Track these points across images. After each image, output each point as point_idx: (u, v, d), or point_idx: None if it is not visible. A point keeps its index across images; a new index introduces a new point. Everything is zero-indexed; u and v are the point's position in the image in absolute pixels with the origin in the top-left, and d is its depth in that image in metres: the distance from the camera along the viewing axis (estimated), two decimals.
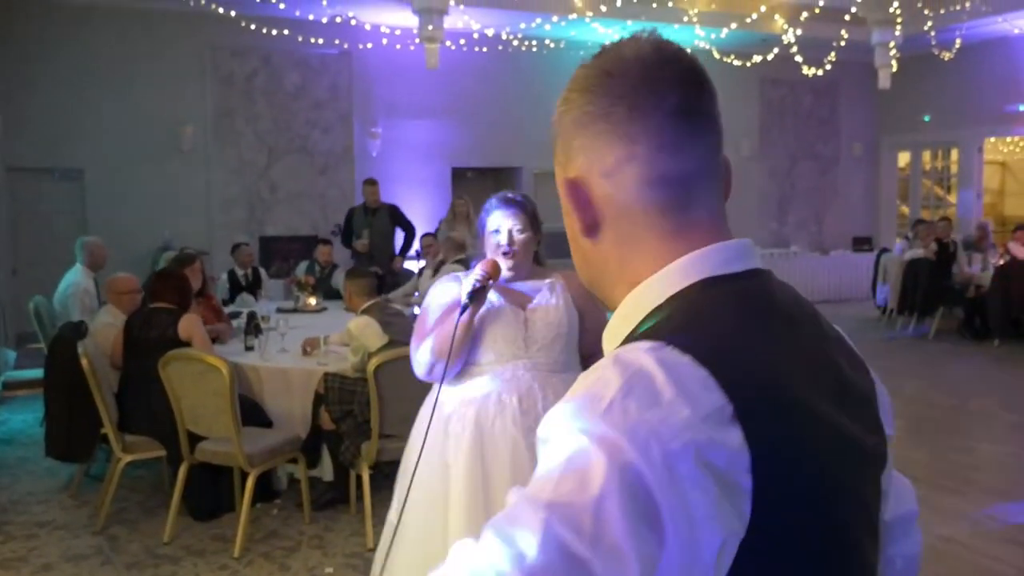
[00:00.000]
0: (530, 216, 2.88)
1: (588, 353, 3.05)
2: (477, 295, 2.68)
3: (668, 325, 0.84)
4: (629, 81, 0.91)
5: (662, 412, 0.73)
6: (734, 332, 0.83)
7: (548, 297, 2.92)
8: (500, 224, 2.83)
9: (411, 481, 2.53)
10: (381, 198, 9.59)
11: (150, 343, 4.74)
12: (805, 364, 0.87)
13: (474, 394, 2.81)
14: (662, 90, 0.91)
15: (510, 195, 2.92)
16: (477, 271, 2.70)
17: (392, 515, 2.93)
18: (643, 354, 0.78)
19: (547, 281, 2.98)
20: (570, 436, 0.74)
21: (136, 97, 10.46)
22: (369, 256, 9.14)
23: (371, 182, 9.59)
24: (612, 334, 0.94)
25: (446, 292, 2.87)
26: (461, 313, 2.65)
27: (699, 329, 0.82)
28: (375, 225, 9.36)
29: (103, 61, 10.31)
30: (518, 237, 2.84)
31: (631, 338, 0.86)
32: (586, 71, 0.95)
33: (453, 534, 2.72)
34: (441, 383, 2.68)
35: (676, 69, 0.93)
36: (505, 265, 2.82)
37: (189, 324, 4.84)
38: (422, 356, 2.80)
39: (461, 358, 2.79)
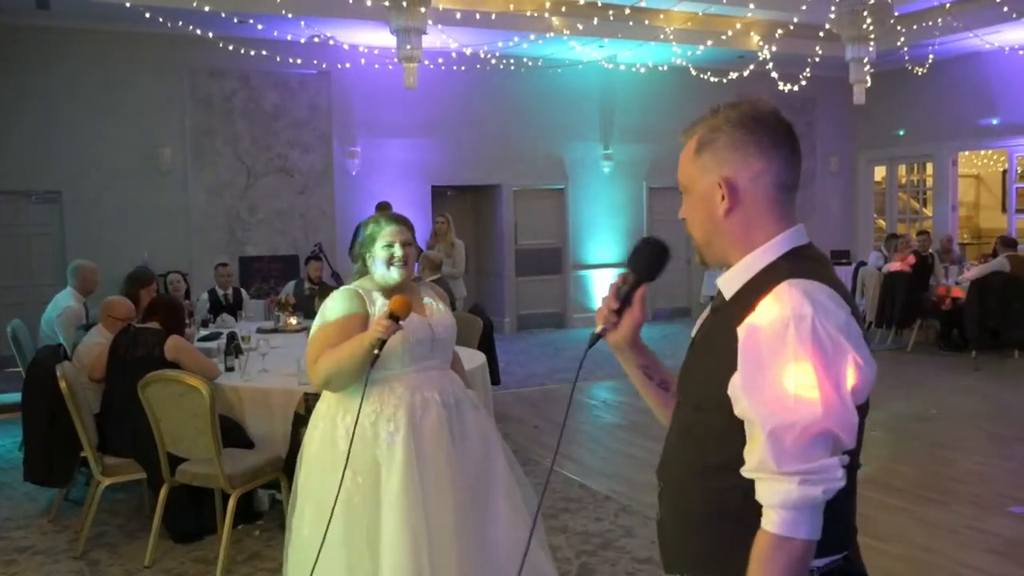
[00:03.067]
0: (412, 231, 3.20)
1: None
2: (383, 345, 2.86)
3: (796, 271, 1.46)
4: (770, 125, 1.54)
5: (838, 313, 1.43)
6: (824, 275, 1.48)
7: (433, 302, 3.23)
8: (393, 239, 3.10)
9: (339, 489, 2.78)
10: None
11: (135, 362, 4.71)
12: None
13: (400, 396, 3.00)
14: (786, 134, 1.55)
15: (395, 213, 3.28)
16: (380, 328, 2.85)
17: (304, 529, 3.03)
18: (803, 287, 1.43)
19: (423, 288, 3.30)
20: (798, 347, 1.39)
21: (114, 118, 10.42)
22: None
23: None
24: (733, 278, 1.55)
25: (341, 306, 3.05)
26: (372, 363, 2.86)
27: (814, 274, 1.47)
28: None
29: (81, 83, 10.28)
30: (407, 250, 3.13)
31: (765, 277, 1.49)
32: (736, 113, 1.54)
33: (390, 531, 2.86)
34: (365, 385, 2.90)
35: (790, 126, 1.57)
36: (397, 274, 3.09)
37: (176, 345, 4.83)
38: (322, 368, 2.93)
39: (357, 380, 2.94)
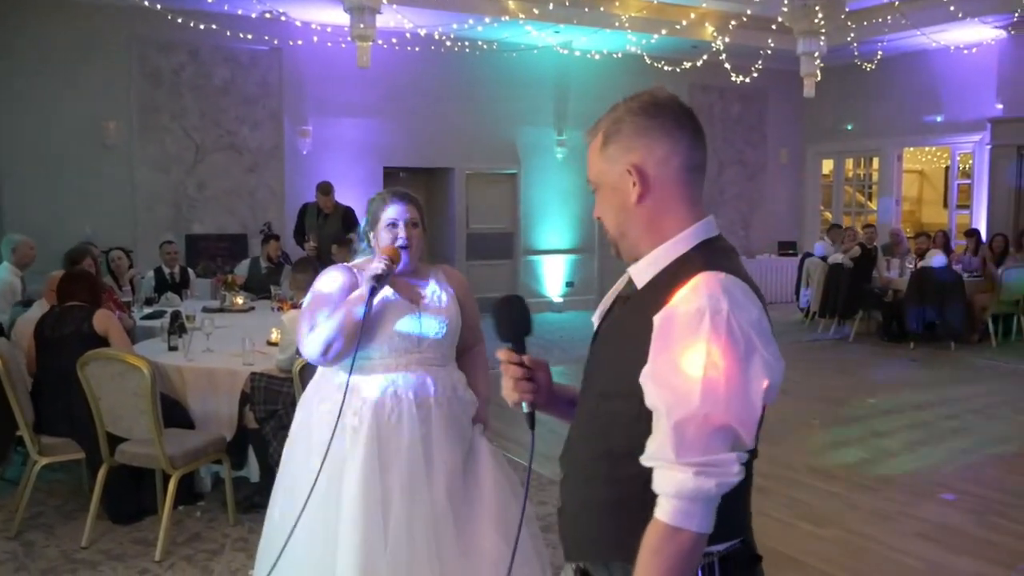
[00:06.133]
0: (422, 212, 2.98)
1: (465, 347, 3.12)
2: (383, 279, 2.74)
3: (712, 262, 1.46)
4: (670, 108, 1.55)
5: (751, 309, 1.43)
6: (737, 270, 1.48)
7: (437, 291, 3.00)
8: (397, 217, 2.89)
9: (317, 476, 2.60)
10: (320, 198, 9.41)
11: (65, 340, 4.63)
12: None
13: (370, 389, 2.83)
14: (688, 117, 1.56)
15: (404, 190, 3.01)
16: (377, 259, 2.79)
17: (275, 511, 2.92)
18: (720, 280, 1.42)
19: (432, 275, 3.05)
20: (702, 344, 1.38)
21: (57, 91, 10.14)
22: (317, 259, 8.89)
23: (324, 190, 9.34)
24: (645, 267, 1.55)
25: (335, 279, 2.89)
26: (371, 294, 2.72)
27: (728, 267, 1.46)
28: (325, 229, 9.18)
29: (22, 54, 9.98)
30: (413, 231, 2.91)
31: (679, 267, 1.48)
32: (636, 102, 1.57)
33: (345, 529, 2.72)
34: (352, 366, 2.73)
35: (690, 110, 1.58)
36: (402, 258, 2.89)
37: (105, 318, 4.75)
38: (322, 334, 2.76)
39: (355, 347, 2.78)
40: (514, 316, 1.66)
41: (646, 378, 1.42)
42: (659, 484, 1.40)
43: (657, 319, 1.42)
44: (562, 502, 1.67)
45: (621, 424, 1.50)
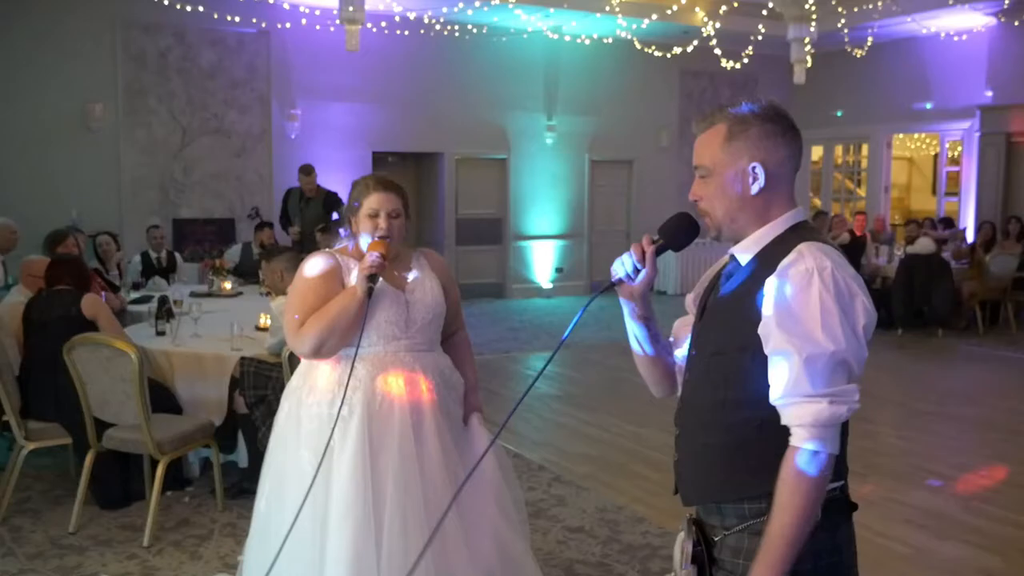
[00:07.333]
0: (405, 201, 2.93)
1: (449, 333, 3.10)
2: (377, 279, 2.73)
3: (805, 238, 1.75)
4: (788, 120, 1.85)
5: (848, 267, 1.71)
6: (825, 240, 1.77)
7: (420, 277, 2.96)
8: (378, 207, 2.84)
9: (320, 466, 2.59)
10: (302, 179, 9.31)
11: (53, 323, 4.59)
12: None
13: (359, 378, 2.79)
14: (796, 128, 1.86)
15: (387, 178, 2.95)
16: (370, 257, 2.74)
17: (262, 502, 2.89)
18: (818, 247, 1.71)
19: (413, 260, 3.01)
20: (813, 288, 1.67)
21: (42, 73, 10.04)
22: (300, 244, 8.81)
23: (306, 171, 9.17)
24: (748, 247, 1.82)
25: (320, 267, 2.85)
26: (369, 295, 2.70)
27: (816, 238, 1.76)
28: (307, 213, 9.08)
29: (7, 35, 9.88)
30: (395, 222, 2.86)
31: (780, 244, 1.76)
32: (763, 110, 1.85)
33: (336, 520, 2.70)
34: (354, 361, 2.72)
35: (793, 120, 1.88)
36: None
37: (94, 303, 4.72)
38: (315, 331, 2.73)
39: (346, 342, 2.77)
40: (681, 230, 1.92)
41: (770, 329, 1.68)
42: (797, 416, 1.65)
43: (770, 282, 1.70)
44: (678, 455, 1.92)
45: (734, 376, 1.76)
